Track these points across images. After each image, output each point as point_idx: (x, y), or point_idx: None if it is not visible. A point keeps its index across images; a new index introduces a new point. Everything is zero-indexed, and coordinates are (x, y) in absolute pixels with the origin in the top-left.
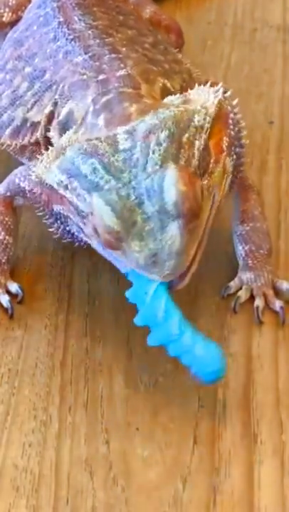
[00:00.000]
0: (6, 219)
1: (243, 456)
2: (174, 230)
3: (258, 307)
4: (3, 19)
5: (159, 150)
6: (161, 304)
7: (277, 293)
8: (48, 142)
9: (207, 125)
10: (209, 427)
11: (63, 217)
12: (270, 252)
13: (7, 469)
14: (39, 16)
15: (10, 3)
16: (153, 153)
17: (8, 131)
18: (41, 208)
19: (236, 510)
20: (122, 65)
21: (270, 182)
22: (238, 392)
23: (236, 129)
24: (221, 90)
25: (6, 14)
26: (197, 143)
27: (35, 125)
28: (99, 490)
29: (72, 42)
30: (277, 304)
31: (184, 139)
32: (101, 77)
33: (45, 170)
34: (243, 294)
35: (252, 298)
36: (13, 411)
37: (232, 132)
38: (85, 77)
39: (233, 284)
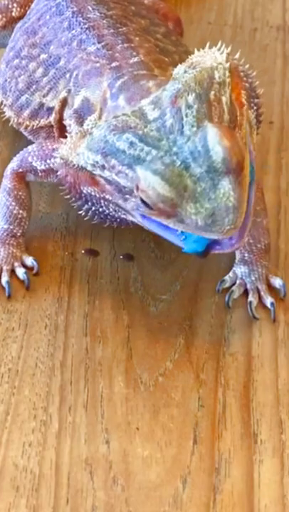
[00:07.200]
0: (20, 193)
1: (243, 456)
2: (226, 186)
3: (251, 303)
4: (13, 14)
5: (192, 112)
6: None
7: (272, 289)
8: (62, 129)
9: (228, 79)
10: (209, 427)
11: (95, 199)
12: (268, 248)
13: (7, 469)
14: (50, 7)
15: None
16: (186, 116)
17: (26, 112)
18: (67, 190)
19: (236, 510)
20: (134, 53)
21: (270, 182)
22: (238, 392)
23: (249, 80)
24: (224, 47)
25: (14, 9)
26: (224, 98)
27: (50, 109)
28: (99, 490)
29: (87, 31)
30: (268, 301)
31: (212, 97)
32: (114, 64)
33: (71, 152)
34: (236, 289)
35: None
36: (13, 411)
37: (246, 84)
38: (98, 65)
39: (228, 278)
